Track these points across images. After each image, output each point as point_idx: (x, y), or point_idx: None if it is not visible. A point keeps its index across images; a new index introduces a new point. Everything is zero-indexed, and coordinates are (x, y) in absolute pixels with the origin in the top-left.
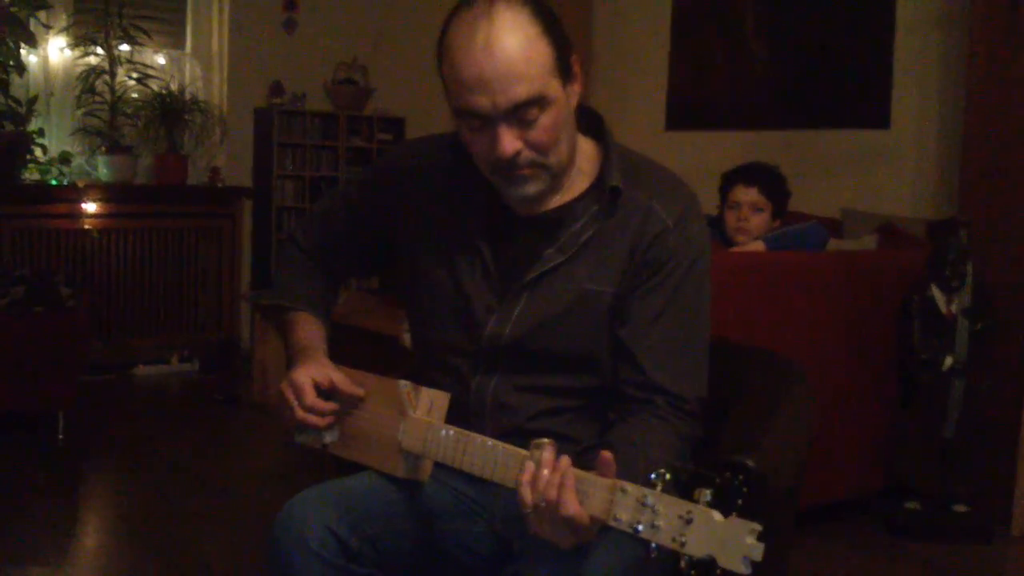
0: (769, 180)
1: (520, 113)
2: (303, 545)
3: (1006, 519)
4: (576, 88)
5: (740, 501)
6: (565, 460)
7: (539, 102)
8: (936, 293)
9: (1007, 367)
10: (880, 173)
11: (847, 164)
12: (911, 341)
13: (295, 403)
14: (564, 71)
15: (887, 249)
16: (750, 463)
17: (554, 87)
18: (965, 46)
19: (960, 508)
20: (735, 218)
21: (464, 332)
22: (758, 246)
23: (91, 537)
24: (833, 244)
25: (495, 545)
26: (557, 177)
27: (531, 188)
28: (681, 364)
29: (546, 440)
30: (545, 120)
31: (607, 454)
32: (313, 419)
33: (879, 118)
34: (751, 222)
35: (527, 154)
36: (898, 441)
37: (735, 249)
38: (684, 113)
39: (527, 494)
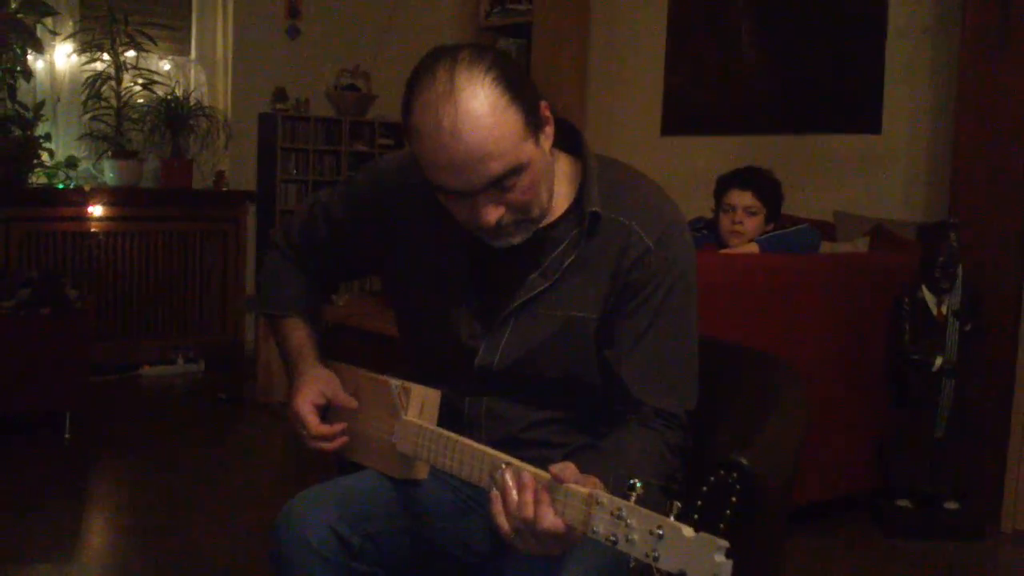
0: (763, 184)
1: (497, 184)
2: (304, 543)
3: (996, 516)
4: (549, 131)
5: (733, 499)
6: (528, 476)
7: (515, 171)
8: (927, 295)
9: (996, 367)
10: (872, 177)
11: (840, 168)
12: (902, 342)
13: (303, 433)
14: (535, 127)
15: (879, 252)
16: (744, 461)
17: (528, 150)
18: (956, 52)
19: (951, 506)
20: (729, 221)
21: (452, 356)
22: (752, 248)
23: (97, 536)
24: (826, 246)
25: (493, 542)
26: (540, 220)
27: (516, 239)
28: (667, 380)
29: (502, 464)
30: (523, 182)
31: (555, 466)
32: (324, 446)
33: (871, 123)
34: (745, 225)
35: (509, 216)
36: (889, 440)
37: (728, 251)
38: (679, 118)
39: (503, 523)
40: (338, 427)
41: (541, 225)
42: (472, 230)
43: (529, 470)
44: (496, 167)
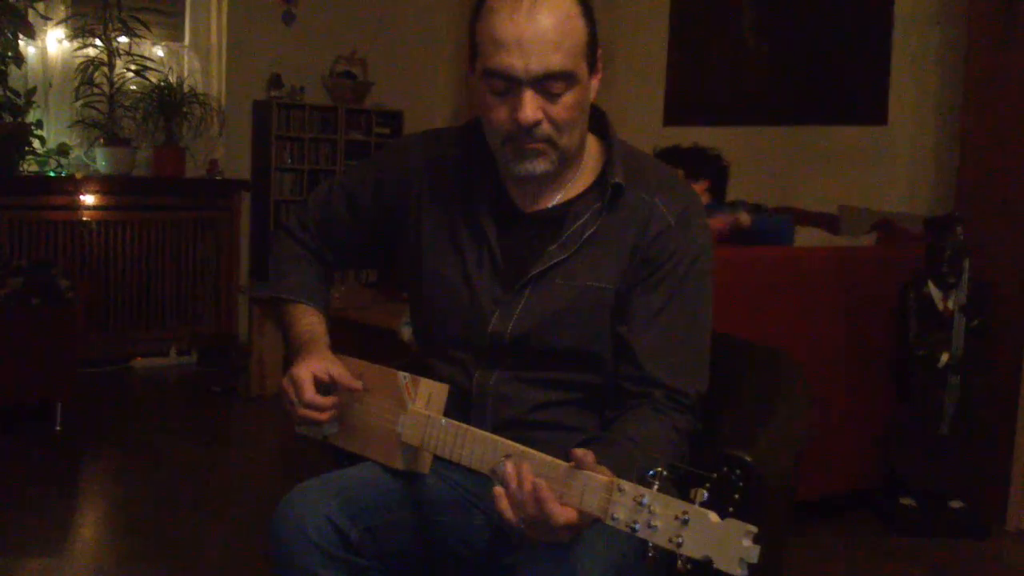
0: (689, 161)
1: (548, 84)
2: (303, 536)
3: (1001, 515)
4: (595, 83)
5: (736, 495)
6: (527, 470)
7: (568, 78)
8: (933, 290)
9: (1003, 363)
10: (877, 169)
11: (845, 160)
12: (908, 337)
13: (295, 399)
14: (592, 59)
15: (884, 245)
16: (747, 457)
17: (583, 69)
18: (962, 43)
19: (956, 504)
20: None
21: (468, 326)
22: (744, 219)
23: (88, 527)
24: (830, 240)
25: (492, 537)
26: (564, 162)
27: (539, 166)
28: (679, 360)
29: (503, 456)
30: (568, 98)
31: (578, 451)
32: (313, 415)
33: (877, 114)
34: None
35: (545, 127)
36: (894, 436)
37: (718, 218)
38: (682, 108)
39: (509, 516)
40: (331, 400)
41: (563, 200)
42: (503, 139)
43: (530, 463)
44: (556, 60)
